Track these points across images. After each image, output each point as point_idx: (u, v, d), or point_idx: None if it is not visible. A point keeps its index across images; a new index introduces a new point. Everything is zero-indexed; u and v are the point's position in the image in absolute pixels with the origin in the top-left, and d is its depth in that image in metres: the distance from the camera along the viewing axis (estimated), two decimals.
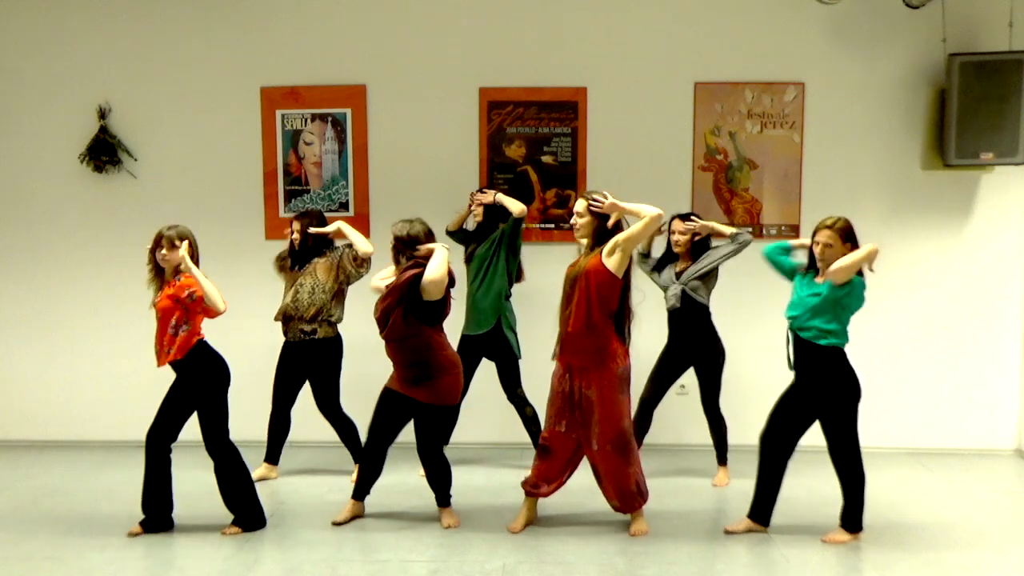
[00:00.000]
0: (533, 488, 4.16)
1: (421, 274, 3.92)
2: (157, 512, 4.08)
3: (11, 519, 4.31)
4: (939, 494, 4.77)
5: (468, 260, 4.96)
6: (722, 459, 4.86)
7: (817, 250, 3.92)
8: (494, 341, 4.89)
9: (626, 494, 4.06)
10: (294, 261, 4.79)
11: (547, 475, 4.13)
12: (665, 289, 4.70)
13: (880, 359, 5.47)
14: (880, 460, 5.31)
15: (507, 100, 5.47)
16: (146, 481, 4.04)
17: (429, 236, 4.09)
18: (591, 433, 3.98)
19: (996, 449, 5.52)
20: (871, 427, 5.41)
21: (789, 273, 4.13)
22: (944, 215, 5.44)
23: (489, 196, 4.86)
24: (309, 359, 4.75)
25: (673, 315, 4.71)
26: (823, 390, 3.93)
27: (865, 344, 5.40)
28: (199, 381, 3.99)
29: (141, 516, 4.09)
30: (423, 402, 4.07)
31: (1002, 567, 3.76)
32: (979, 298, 5.47)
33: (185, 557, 3.81)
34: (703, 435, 4.91)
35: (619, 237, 3.85)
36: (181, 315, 3.94)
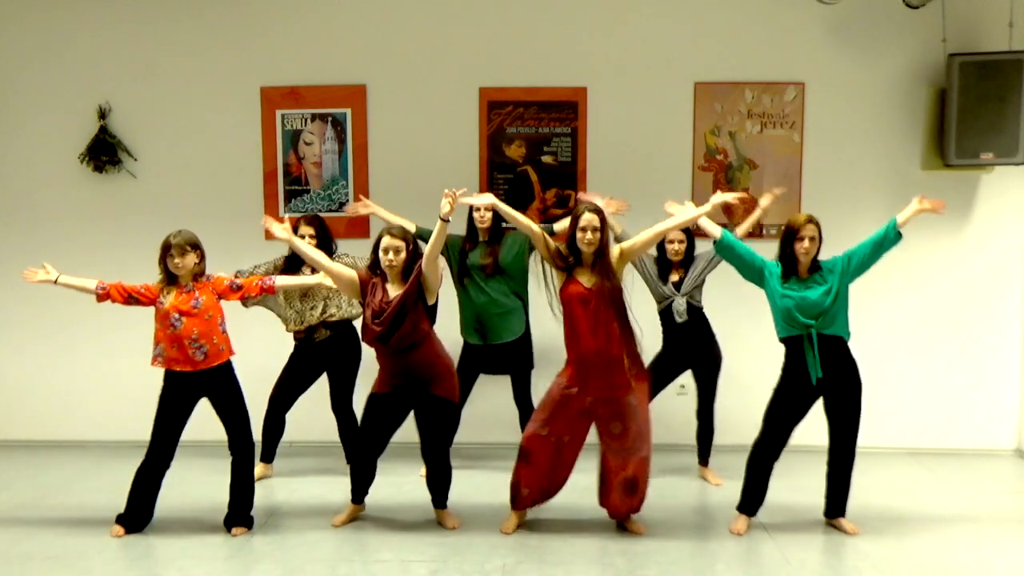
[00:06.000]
0: (522, 499, 4.14)
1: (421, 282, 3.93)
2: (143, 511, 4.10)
3: (11, 519, 4.31)
4: (939, 494, 4.77)
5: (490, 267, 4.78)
6: (707, 460, 4.93)
7: (805, 246, 3.92)
8: (516, 351, 4.83)
9: (644, 495, 4.10)
10: (298, 267, 4.75)
11: (529, 482, 4.10)
12: (663, 299, 4.69)
13: (880, 359, 5.46)
14: (880, 460, 5.32)
15: (507, 100, 5.46)
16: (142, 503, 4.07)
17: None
18: (636, 444, 3.93)
19: (996, 449, 5.52)
20: (871, 427, 5.40)
21: (756, 270, 4.02)
22: (944, 215, 5.38)
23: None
24: (328, 357, 4.77)
25: (673, 321, 4.71)
26: (846, 384, 3.98)
27: (865, 344, 5.38)
28: (235, 377, 4.08)
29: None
30: (443, 398, 4.03)
31: (1002, 567, 3.76)
32: (979, 298, 5.47)
33: (185, 557, 3.81)
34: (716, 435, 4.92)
35: (625, 248, 3.96)
36: (222, 313, 4.02)
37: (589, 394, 3.92)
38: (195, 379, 3.97)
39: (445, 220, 3.85)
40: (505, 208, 4.02)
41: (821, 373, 3.91)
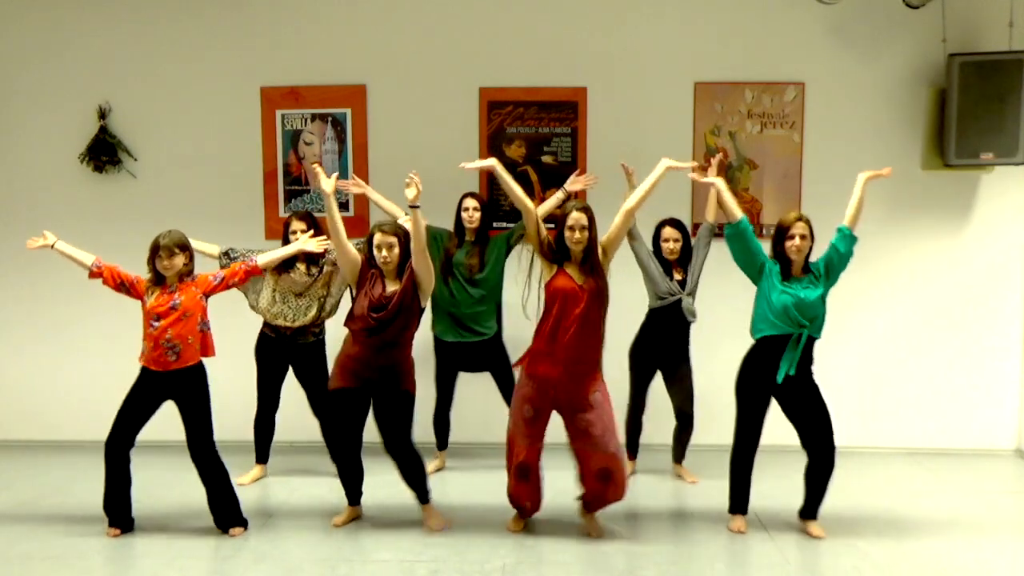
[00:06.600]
0: (526, 512, 4.15)
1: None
2: (124, 511, 4.08)
3: (11, 519, 4.31)
4: (939, 494, 4.77)
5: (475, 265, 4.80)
6: (683, 459, 4.93)
7: (796, 243, 3.93)
8: (492, 348, 4.85)
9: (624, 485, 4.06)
10: (293, 262, 4.74)
11: (532, 496, 4.09)
12: (666, 296, 4.65)
13: (880, 359, 5.48)
14: (880, 460, 5.33)
15: (507, 100, 5.47)
16: (117, 486, 4.04)
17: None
18: (605, 438, 3.88)
19: (996, 449, 5.52)
20: (871, 427, 5.46)
21: (758, 264, 3.99)
22: (944, 215, 5.44)
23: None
24: (297, 358, 4.75)
25: (658, 317, 4.69)
26: (805, 383, 3.97)
27: (865, 344, 5.45)
28: (204, 381, 4.03)
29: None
30: (405, 390, 4.03)
31: (1002, 567, 3.77)
32: (979, 298, 5.47)
33: (185, 557, 3.81)
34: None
35: (603, 242, 3.95)
36: (204, 313, 3.98)
37: (560, 392, 3.89)
38: (165, 379, 3.94)
39: (414, 207, 3.85)
40: (505, 176, 3.98)
41: (793, 371, 3.90)
